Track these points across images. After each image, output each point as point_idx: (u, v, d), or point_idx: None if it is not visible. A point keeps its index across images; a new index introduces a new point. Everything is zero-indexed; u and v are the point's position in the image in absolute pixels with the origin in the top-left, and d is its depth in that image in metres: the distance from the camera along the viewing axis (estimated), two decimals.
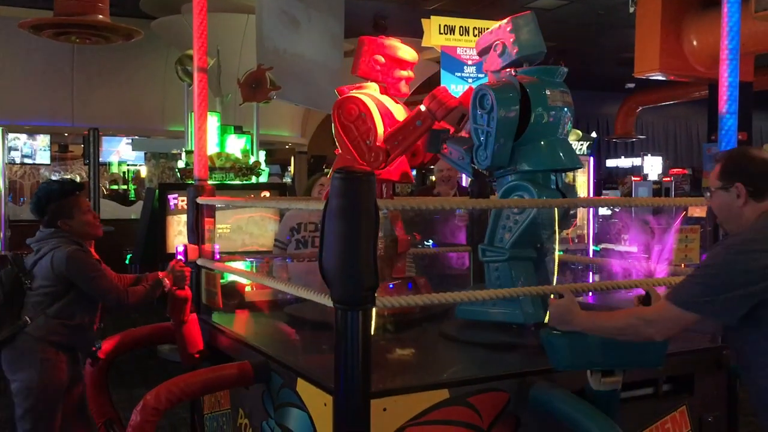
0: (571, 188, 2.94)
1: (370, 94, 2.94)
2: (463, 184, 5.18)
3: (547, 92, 2.68)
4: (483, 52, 2.90)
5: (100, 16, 6.12)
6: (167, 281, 3.19)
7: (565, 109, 2.73)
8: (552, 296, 2.38)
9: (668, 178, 13.01)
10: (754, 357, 2.18)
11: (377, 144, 2.82)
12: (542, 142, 2.71)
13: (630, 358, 2.21)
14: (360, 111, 2.83)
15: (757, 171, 2.19)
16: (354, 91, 2.95)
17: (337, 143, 2.97)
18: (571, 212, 3.01)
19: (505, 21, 2.80)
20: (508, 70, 2.79)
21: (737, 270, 2.05)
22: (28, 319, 3.23)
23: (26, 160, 12.35)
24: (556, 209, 2.74)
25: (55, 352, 3.26)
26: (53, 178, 15.75)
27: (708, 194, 2.30)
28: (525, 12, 2.81)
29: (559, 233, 2.86)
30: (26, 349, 3.23)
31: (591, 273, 4.95)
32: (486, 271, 2.83)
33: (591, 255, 7.18)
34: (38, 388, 3.22)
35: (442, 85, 6.65)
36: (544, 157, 2.72)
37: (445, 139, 2.92)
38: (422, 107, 2.84)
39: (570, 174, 6.71)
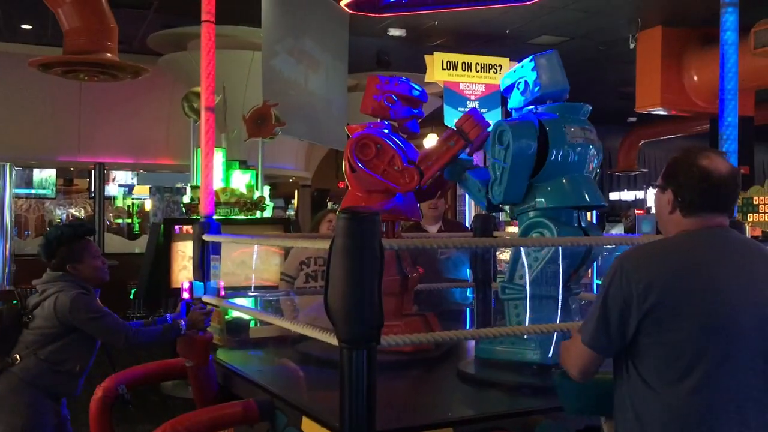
0: (594, 227, 2.89)
1: (383, 132, 2.99)
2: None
3: (567, 129, 2.69)
4: (507, 91, 2.94)
5: (109, 54, 6.15)
6: (183, 324, 3.10)
7: (590, 146, 2.73)
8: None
9: None
10: (627, 397, 1.87)
11: (405, 165, 2.86)
12: (564, 180, 2.70)
13: None
14: (376, 144, 2.88)
15: (690, 183, 1.86)
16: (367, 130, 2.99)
17: (348, 181, 3.00)
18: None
19: (528, 59, 2.84)
20: (530, 107, 2.82)
21: (616, 300, 1.81)
22: (18, 356, 3.15)
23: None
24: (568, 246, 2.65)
25: (42, 398, 3.16)
26: (58, 212, 15.85)
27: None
28: (548, 51, 2.85)
29: (582, 272, 2.77)
30: (11, 390, 3.13)
31: None
32: (506, 309, 2.81)
33: (594, 290, 7.13)
34: None
35: (447, 118, 6.68)
36: (565, 194, 2.70)
37: (467, 168, 2.95)
38: (454, 128, 2.89)
39: None
